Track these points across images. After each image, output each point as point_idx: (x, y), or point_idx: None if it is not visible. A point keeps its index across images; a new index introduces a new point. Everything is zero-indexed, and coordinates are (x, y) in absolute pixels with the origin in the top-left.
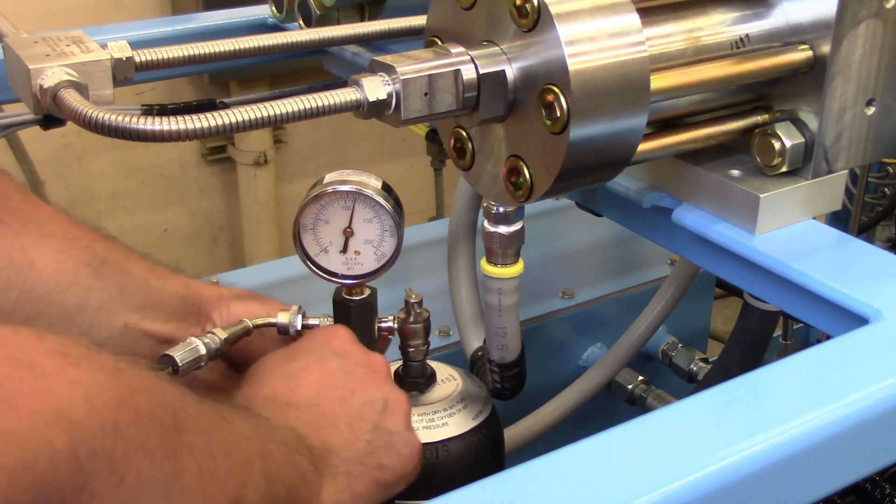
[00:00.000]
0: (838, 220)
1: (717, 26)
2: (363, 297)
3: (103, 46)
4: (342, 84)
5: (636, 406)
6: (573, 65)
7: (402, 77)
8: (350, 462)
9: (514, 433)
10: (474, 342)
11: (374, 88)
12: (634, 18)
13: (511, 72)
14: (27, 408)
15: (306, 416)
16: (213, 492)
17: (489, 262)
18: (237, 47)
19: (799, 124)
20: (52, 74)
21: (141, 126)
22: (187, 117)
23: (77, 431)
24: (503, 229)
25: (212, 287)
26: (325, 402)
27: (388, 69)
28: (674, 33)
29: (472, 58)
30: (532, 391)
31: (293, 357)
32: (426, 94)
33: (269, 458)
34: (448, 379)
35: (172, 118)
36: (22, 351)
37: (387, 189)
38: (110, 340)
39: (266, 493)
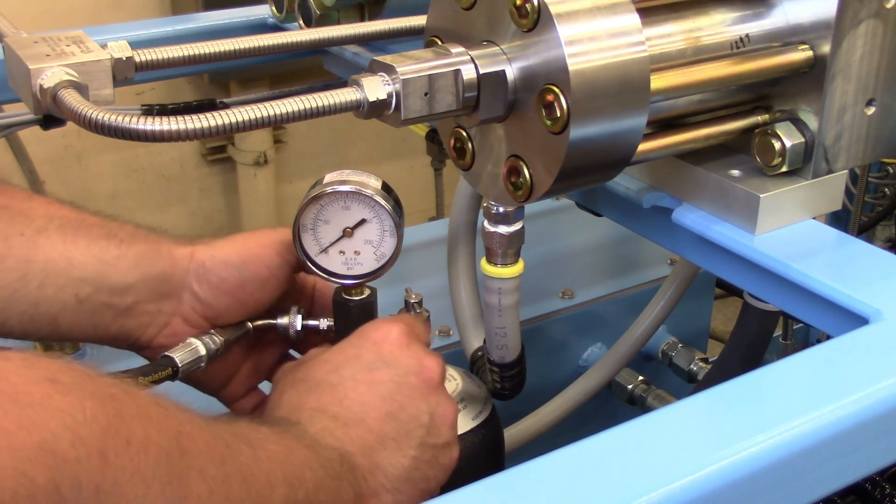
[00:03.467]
0: (838, 220)
1: (717, 26)
2: (363, 297)
3: (103, 46)
4: (342, 84)
5: (636, 406)
6: (573, 65)
7: (402, 77)
8: (396, 480)
9: (514, 433)
10: (474, 342)
11: (374, 88)
12: (634, 18)
13: (511, 72)
14: (8, 444)
15: (353, 433)
16: None
17: (489, 262)
18: (237, 47)
19: (799, 124)
20: (52, 74)
21: (141, 126)
22: (187, 117)
23: (60, 464)
24: (503, 229)
25: (185, 245)
26: (371, 417)
27: (388, 69)
28: (674, 33)
29: (472, 58)
30: (532, 391)
31: (342, 365)
32: (426, 94)
33: (298, 484)
34: (448, 379)
35: (172, 118)
36: (7, 380)
37: (387, 189)
38: (65, 315)
39: None
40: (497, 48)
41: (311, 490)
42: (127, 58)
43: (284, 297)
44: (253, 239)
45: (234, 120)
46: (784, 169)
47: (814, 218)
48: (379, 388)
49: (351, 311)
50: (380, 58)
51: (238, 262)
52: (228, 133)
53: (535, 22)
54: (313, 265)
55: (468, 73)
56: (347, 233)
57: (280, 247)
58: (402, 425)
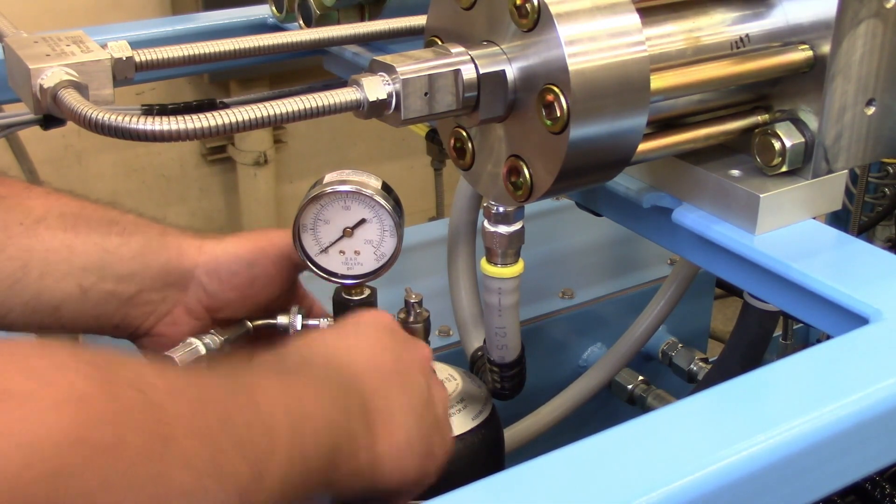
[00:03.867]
0: (838, 220)
1: (717, 26)
2: (363, 297)
3: (103, 46)
4: (342, 84)
5: (636, 406)
6: (573, 65)
7: (402, 77)
8: (406, 426)
9: (514, 433)
10: (474, 342)
11: (374, 88)
12: (634, 18)
13: (511, 72)
14: None
15: (364, 376)
16: (226, 486)
17: (489, 262)
18: (237, 47)
19: (799, 124)
20: (52, 74)
21: (141, 126)
22: (187, 117)
23: (10, 493)
24: (503, 229)
25: (193, 237)
26: (380, 369)
27: (388, 69)
28: (674, 33)
29: (472, 58)
30: (532, 391)
31: (342, 326)
32: (426, 94)
33: (304, 421)
34: (448, 379)
35: (172, 118)
36: None
37: (387, 189)
38: (68, 305)
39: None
40: (497, 48)
41: (319, 426)
42: (127, 58)
43: (286, 297)
44: (263, 237)
45: (234, 120)
46: (784, 169)
47: (814, 218)
48: (384, 349)
49: (351, 311)
50: (380, 58)
51: (249, 258)
52: (228, 133)
53: (535, 22)
54: (313, 265)
55: (468, 72)
56: (347, 233)
57: (287, 246)
58: (408, 383)
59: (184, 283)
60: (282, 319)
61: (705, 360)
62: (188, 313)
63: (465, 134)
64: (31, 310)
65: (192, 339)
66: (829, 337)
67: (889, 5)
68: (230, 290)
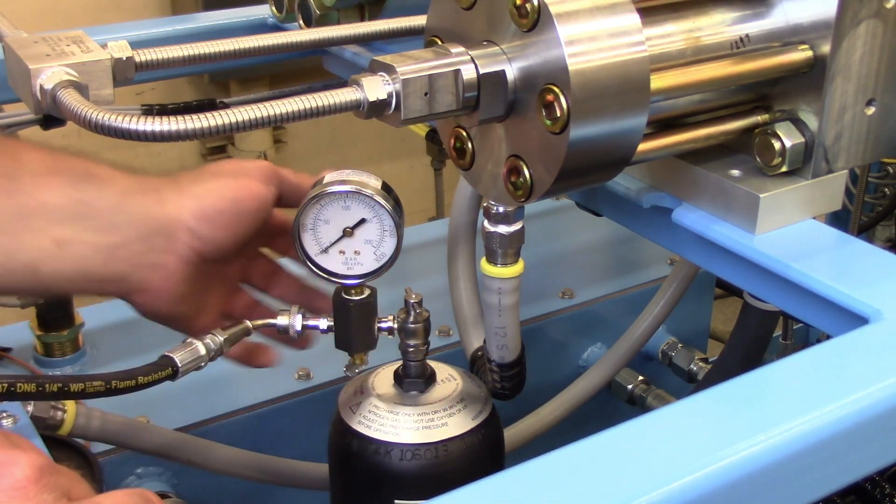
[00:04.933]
0: (838, 220)
1: (717, 26)
2: (363, 297)
3: (103, 46)
4: (342, 84)
5: (636, 406)
6: (573, 65)
7: (402, 77)
8: None
9: (514, 433)
10: (474, 342)
11: (374, 88)
12: (634, 18)
13: (511, 72)
14: None
15: None
16: None
17: (489, 262)
18: (237, 47)
19: (799, 124)
20: (52, 74)
21: (141, 126)
22: (187, 117)
23: None
24: (503, 229)
25: (170, 181)
26: None
27: (388, 69)
28: (674, 33)
29: (472, 58)
30: (532, 391)
31: None
32: (426, 94)
33: None
34: (448, 379)
35: (172, 118)
36: None
37: (386, 189)
38: (45, 263)
39: None
40: (497, 48)
41: None
42: (127, 58)
43: (268, 229)
44: (239, 169)
45: (234, 120)
46: (784, 169)
47: (814, 218)
48: None
49: (351, 311)
50: (380, 58)
51: (232, 195)
52: (228, 133)
53: (535, 22)
54: (313, 265)
55: (468, 72)
56: (347, 233)
57: (264, 178)
58: None
59: (170, 229)
60: (282, 320)
61: (705, 360)
62: (180, 260)
63: (465, 134)
64: (6, 270)
65: (193, 340)
66: (829, 337)
67: (889, 5)
68: (220, 229)
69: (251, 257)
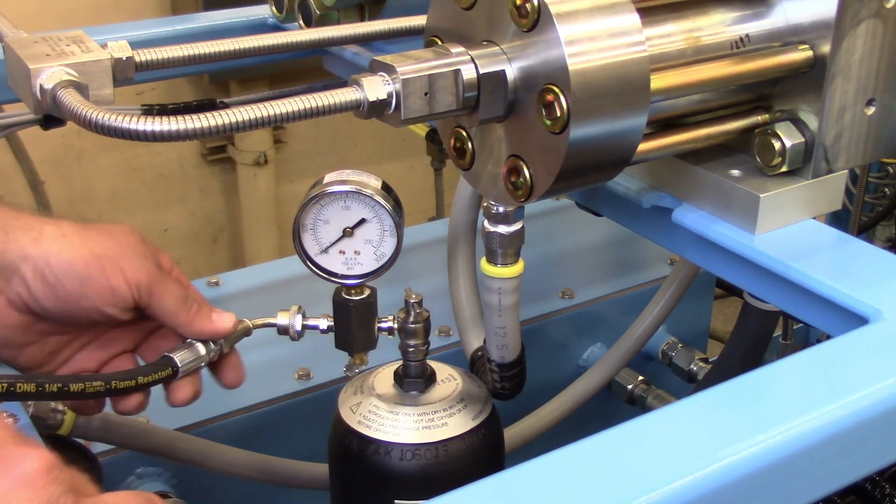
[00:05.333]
0: (838, 220)
1: (717, 26)
2: (363, 297)
3: (103, 46)
4: (342, 84)
5: (636, 406)
6: (573, 65)
7: (402, 77)
8: None
9: (514, 433)
10: (474, 342)
11: (374, 88)
12: (634, 18)
13: (511, 72)
14: None
15: None
16: None
17: (489, 262)
18: (237, 47)
19: (799, 124)
20: (52, 74)
21: (141, 126)
22: (187, 117)
23: None
24: (503, 229)
25: (35, 222)
26: None
27: (388, 69)
28: (674, 33)
29: (472, 58)
30: (532, 391)
31: None
32: (426, 94)
33: None
34: (448, 379)
35: (172, 118)
36: None
37: (386, 189)
38: None
39: None
40: (497, 48)
41: None
42: (127, 58)
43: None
44: (112, 249)
45: (234, 120)
46: (784, 169)
47: (814, 218)
48: None
49: (351, 311)
50: (380, 58)
51: (83, 273)
52: (228, 133)
53: (535, 22)
54: (313, 265)
55: (468, 72)
56: (347, 233)
57: (134, 277)
58: None
59: (6, 272)
60: (282, 320)
61: (705, 360)
62: (10, 305)
63: (465, 134)
64: None
65: (192, 340)
66: (829, 337)
67: (889, 5)
68: (53, 298)
69: (147, 331)
